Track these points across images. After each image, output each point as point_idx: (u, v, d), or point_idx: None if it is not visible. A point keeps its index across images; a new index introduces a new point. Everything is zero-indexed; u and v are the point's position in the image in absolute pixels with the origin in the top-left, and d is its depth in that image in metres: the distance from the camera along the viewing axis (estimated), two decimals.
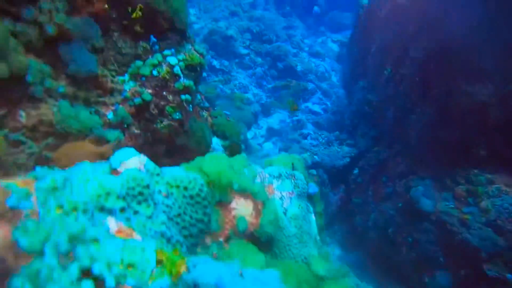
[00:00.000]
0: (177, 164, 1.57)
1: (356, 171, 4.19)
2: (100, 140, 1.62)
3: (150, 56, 1.89)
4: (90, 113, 1.64)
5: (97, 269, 0.87)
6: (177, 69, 1.96)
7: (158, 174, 1.33)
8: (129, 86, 1.84)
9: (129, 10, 1.69)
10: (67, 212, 1.01)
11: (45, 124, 1.50)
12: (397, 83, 4.22)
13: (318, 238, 1.98)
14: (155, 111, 1.92)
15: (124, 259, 0.93)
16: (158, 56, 1.90)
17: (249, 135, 5.30)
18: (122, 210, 1.11)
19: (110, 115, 1.76)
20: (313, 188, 2.05)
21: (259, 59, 6.54)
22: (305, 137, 5.01)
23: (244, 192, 1.64)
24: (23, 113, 1.45)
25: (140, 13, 1.67)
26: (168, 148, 2.05)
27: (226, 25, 6.50)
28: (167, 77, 1.91)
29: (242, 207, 1.62)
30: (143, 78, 1.87)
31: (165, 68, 1.91)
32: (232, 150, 2.71)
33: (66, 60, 1.52)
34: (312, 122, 5.61)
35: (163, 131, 1.95)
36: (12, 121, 1.42)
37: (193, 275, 0.99)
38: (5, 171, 1.37)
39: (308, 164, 4.20)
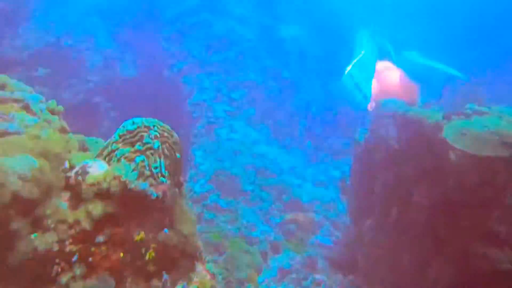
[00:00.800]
0: None
1: None
2: None
3: None
4: None
5: None
6: None
7: None
8: None
9: (143, 251, 1.75)
10: None
11: None
12: (406, 227, 4.15)
13: None
14: None
15: None
16: None
17: (260, 279, 5.07)
18: None
19: None
20: None
21: (264, 194, 6.67)
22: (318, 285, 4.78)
23: None
24: None
25: (153, 254, 1.74)
26: None
27: (230, 164, 6.82)
28: None
29: None
30: None
31: None
32: None
33: None
34: (324, 257, 5.42)
35: None
36: None
37: None
38: None
39: None
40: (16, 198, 1.46)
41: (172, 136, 2.40)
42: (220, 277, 4.33)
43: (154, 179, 1.90)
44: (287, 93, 9.05)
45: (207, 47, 8.85)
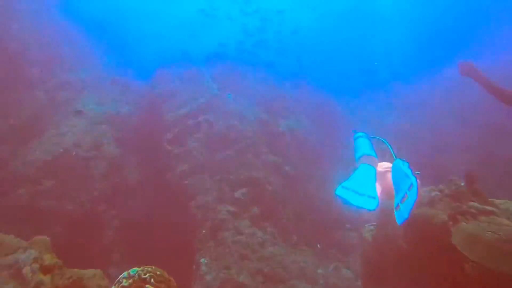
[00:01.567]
0: None
1: None
2: None
3: None
4: None
5: None
6: None
7: None
8: None
9: None
10: None
11: None
12: None
13: None
14: None
15: None
16: None
17: None
18: None
19: None
20: None
21: None
22: None
23: None
24: None
25: None
26: None
27: (237, 271, 6.53)
28: None
29: None
30: None
31: None
32: None
33: None
34: None
35: None
36: None
37: None
38: None
39: None
40: None
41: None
42: None
43: None
44: (291, 187, 9.09)
45: (209, 147, 9.18)
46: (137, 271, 2.30)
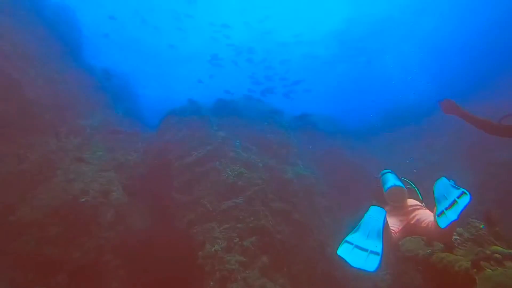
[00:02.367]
0: None
1: None
2: None
3: None
4: None
5: None
6: None
7: None
8: None
9: None
10: None
11: None
12: None
13: None
14: None
15: None
16: None
17: None
18: None
19: None
20: None
21: None
22: None
23: None
24: None
25: None
26: None
27: None
28: None
29: None
30: None
31: None
32: None
33: None
34: None
35: None
36: None
37: None
38: None
39: None
40: None
41: None
42: None
43: None
44: (300, 236, 9.03)
45: (217, 195, 9.23)
46: None
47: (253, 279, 7.39)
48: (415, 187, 3.70)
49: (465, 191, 2.69)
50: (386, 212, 2.98)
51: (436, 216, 2.82)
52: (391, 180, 3.54)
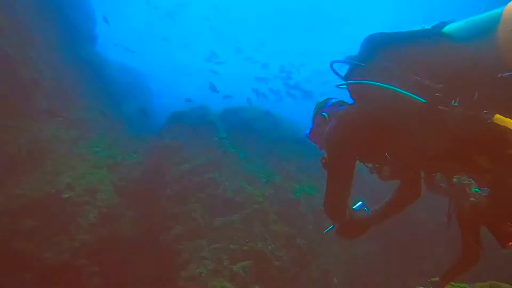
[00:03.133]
0: None
1: None
2: None
3: None
4: None
5: None
6: None
7: None
8: None
9: None
10: None
11: None
12: None
13: None
14: None
15: None
16: None
17: None
18: None
19: None
20: None
21: None
22: None
23: None
24: None
25: None
26: None
27: None
28: None
29: None
30: None
31: None
32: None
33: None
34: None
35: None
36: None
37: None
38: None
39: None
40: None
41: None
42: None
43: None
44: (302, 263, 8.01)
45: (211, 209, 8.36)
46: None
47: None
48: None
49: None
50: None
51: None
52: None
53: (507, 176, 1.62)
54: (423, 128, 1.72)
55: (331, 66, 2.22)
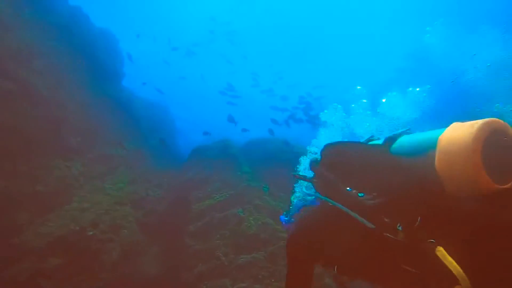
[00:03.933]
0: None
1: None
2: None
3: None
4: None
5: None
6: None
7: None
8: None
9: None
10: None
11: None
12: None
13: None
14: None
15: None
16: None
17: None
18: None
19: None
20: None
21: None
22: None
23: None
24: None
25: None
26: None
27: None
28: None
29: None
30: None
31: None
32: None
33: None
34: None
35: None
36: None
37: None
38: None
39: None
40: None
41: None
42: None
43: None
44: None
45: (235, 246, 8.14)
46: None
47: None
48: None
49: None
50: None
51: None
52: None
53: None
54: (368, 249, 1.82)
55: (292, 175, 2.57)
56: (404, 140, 1.82)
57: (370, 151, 1.95)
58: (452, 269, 1.43)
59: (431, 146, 1.58)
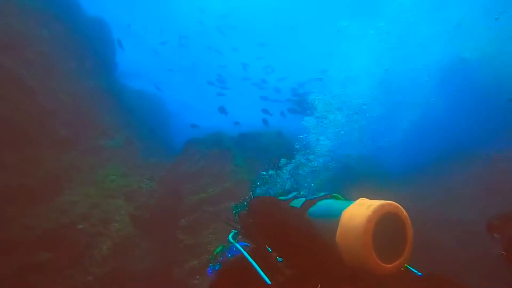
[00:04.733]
0: None
1: None
2: None
3: None
4: None
5: None
6: None
7: None
8: None
9: None
10: None
11: None
12: None
13: None
14: None
15: None
16: None
17: None
18: None
19: None
20: None
21: None
22: None
23: None
24: None
25: None
26: None
27: None
28: None
29: None
30: None
31: None
32: None
33: None
34: None
35: None
36: None
37: None
38: None
39: None
40: None
41: None
42: None
43: None
44: None
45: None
46: None
47: None
48: None
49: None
50: None
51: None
52: None
53: None
54: None
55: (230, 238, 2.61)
56: (321, 205, 1.92)
57: (289, 212, 2.05)
58: None
59: (338, 217, 1.69)
